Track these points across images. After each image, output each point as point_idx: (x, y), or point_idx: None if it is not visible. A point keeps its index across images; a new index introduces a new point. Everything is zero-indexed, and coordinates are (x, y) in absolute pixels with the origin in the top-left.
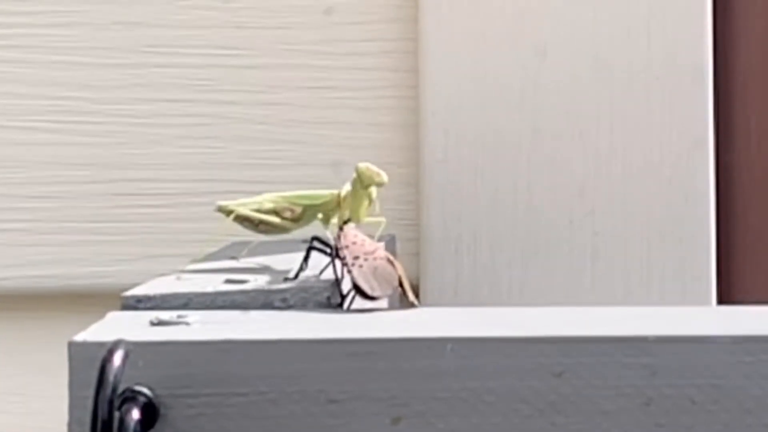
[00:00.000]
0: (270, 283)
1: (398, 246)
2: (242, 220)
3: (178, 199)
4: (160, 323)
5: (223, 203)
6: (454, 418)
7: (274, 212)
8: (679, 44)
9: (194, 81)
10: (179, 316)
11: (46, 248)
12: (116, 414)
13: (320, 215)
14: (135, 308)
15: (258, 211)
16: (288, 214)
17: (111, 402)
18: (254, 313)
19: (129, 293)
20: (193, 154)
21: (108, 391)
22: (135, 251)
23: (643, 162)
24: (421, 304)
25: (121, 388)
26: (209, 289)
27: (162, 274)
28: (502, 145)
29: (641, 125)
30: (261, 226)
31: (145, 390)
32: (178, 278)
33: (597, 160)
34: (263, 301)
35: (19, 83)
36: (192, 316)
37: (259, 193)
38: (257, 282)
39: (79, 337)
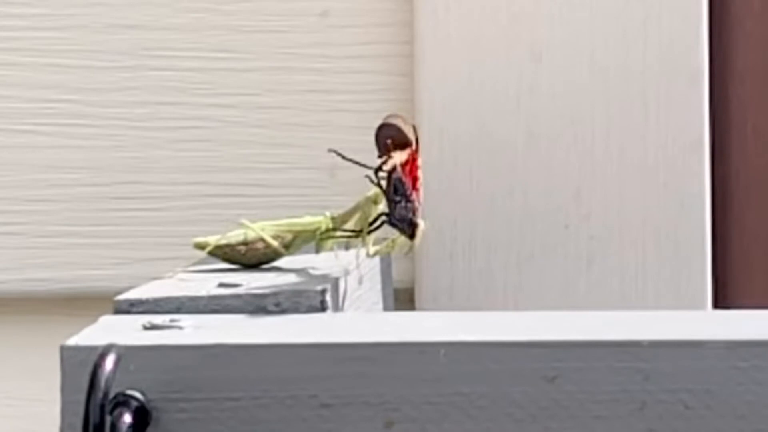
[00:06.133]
0: (263, 287)
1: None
2: (225, 251)
3: (173, 203)
4: (153, 327)
5: (200, 239)
6: (447, 423)
7: (262, 240)
8: (675, 47)
9: (190, 84)
10: (172, 320)
11: (39, 251)
12: (108, 418)
13: (313, 241)
14: (128, 312)
15: (243, 242)
16: (278, 241)
17: (103, 406)
18: (247, 318)
19: (122, 297)
20: (188, 157)
21: (100, 395)
22: (129, 255)
23: (638, 166)
24: (416, 308)
25: (113, 393)
26: (202, 293)
27: (156, 278)
28: (497, 148)
29: (637, 129)
30: (249, 253)
31: (137, 394)
32: (172, 282)
33: (593, 164)
34: (256, 305)
35: (13, 86)
36: (185, 320)
37: (253, 196)
38: (250, 286)
39: (71, 340)
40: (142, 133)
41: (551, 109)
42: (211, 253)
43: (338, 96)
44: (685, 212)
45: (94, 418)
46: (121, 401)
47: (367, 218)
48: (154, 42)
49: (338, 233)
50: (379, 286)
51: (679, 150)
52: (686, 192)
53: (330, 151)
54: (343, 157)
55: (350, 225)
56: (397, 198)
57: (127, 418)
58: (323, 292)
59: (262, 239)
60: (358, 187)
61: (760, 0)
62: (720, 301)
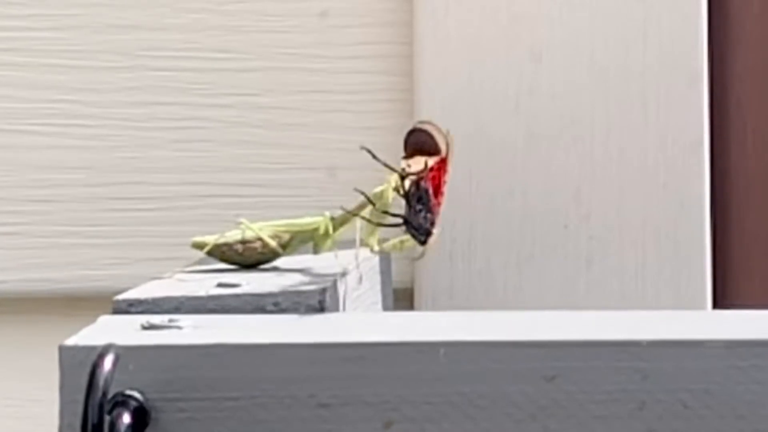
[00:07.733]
0: (262, 287)
1: None
2: (223, 251)
3: (172, 203)
4: (152, 327)
5: (198, 239)
6: (446, 422)
7: (259, 239)
8: (674, 48)
9: (189, 84)
10: (171, 320)
11: (38, 251)
12: (107, 418)
13: (311, 242)
14: (127, 312)
15: (241, 242)
16: (276, 241)
17: (101, 406)
18: (246, 317)
19: (121, 297)
20: (187, 157)
21: (98, 395)
22: (128, 255)
23: (638, 166)
24: (415, 308)
25: (111, 393)
26: (201, 293)
27: (154, 278)
28: (497, 149)
29: (637, 130)
30: (247, 253)
31: (136, 394)
32: (171, 282)
33: (592, 165)
34: (255, 305)
35: (13, 86)
36: (184, 320)
37: (252, 196)
38: (249, 286)
39: (70, 341)
40: (141, 134)
41: (551, 110)
42: (210, 253)
43: (337, 96)
44: (685, 212)
45: (92, 418)
46: (120, 401)
47: (375, 213)
48: (153, 42)
49: (350, 215)
50: (378, 286)
51: (679, 150)
52: (686, 192)
53: (362, 148)
54: (374, 156)
55: (349, 226)
56: (419, 207)
57: (126, 418)
58: (322, 291)
59: (260, 239)
60: (358, 188)
61: (759, 0)
62: (720, 301)
